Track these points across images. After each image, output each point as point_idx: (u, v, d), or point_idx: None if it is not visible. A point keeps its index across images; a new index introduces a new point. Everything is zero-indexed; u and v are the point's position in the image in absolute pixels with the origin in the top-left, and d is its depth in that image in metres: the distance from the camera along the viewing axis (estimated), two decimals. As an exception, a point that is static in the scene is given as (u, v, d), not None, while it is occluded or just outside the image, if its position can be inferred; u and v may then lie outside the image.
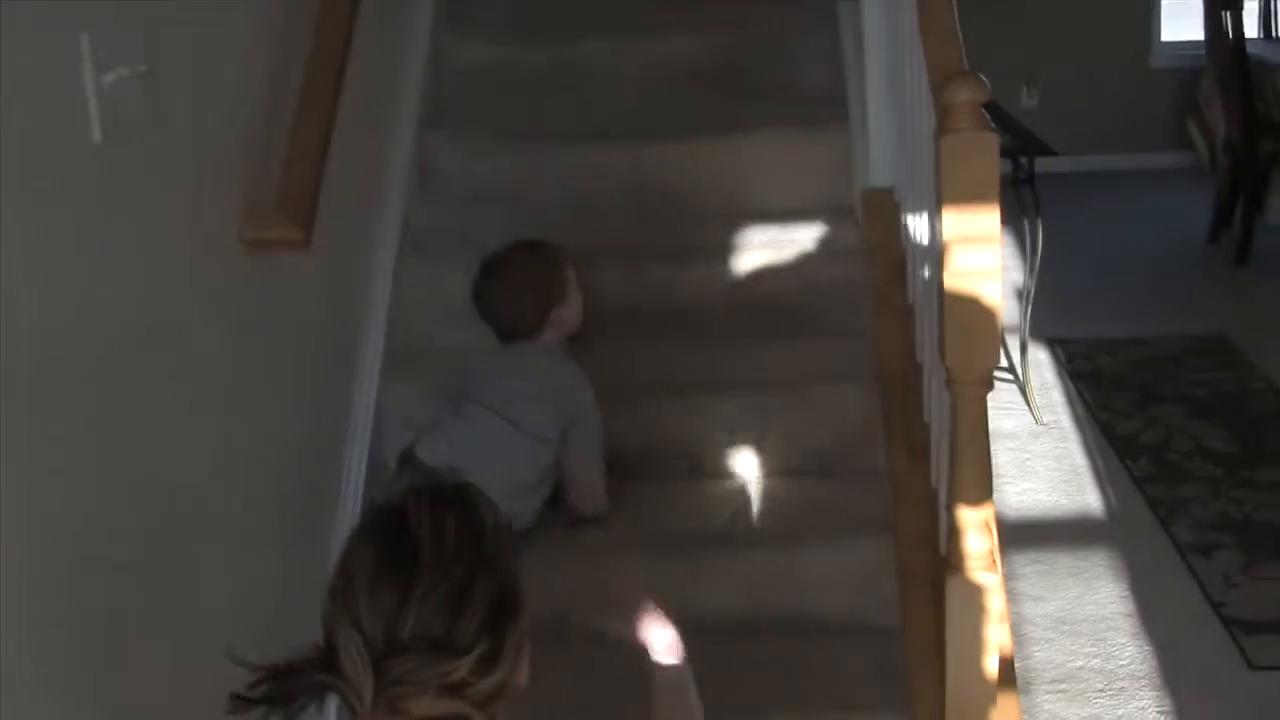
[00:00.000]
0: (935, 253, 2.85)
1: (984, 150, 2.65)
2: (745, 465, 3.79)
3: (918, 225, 3.53)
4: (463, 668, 1.54)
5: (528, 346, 3.60)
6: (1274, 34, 8.55)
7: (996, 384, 2.85)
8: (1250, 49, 7.11)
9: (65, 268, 2.12)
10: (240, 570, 2.78)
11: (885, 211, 4.02)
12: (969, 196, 2.66)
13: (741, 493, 3.73)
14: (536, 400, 3.48)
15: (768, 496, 3.70)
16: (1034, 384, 5.31)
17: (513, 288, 3.61)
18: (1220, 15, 7.14)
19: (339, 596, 1.59)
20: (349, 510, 3.47)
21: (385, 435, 3.78)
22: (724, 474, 3.81)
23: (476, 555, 1.63)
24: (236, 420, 2.80)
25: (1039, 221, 5.17)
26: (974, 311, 2.71)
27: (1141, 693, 3.63)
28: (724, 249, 4.11)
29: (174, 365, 2.50)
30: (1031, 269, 5.26)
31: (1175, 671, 3.72)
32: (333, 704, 1.73)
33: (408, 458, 3.43)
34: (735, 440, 3.79)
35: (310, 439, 3.34)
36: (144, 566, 2.34)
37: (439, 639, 1.55)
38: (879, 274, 3.89)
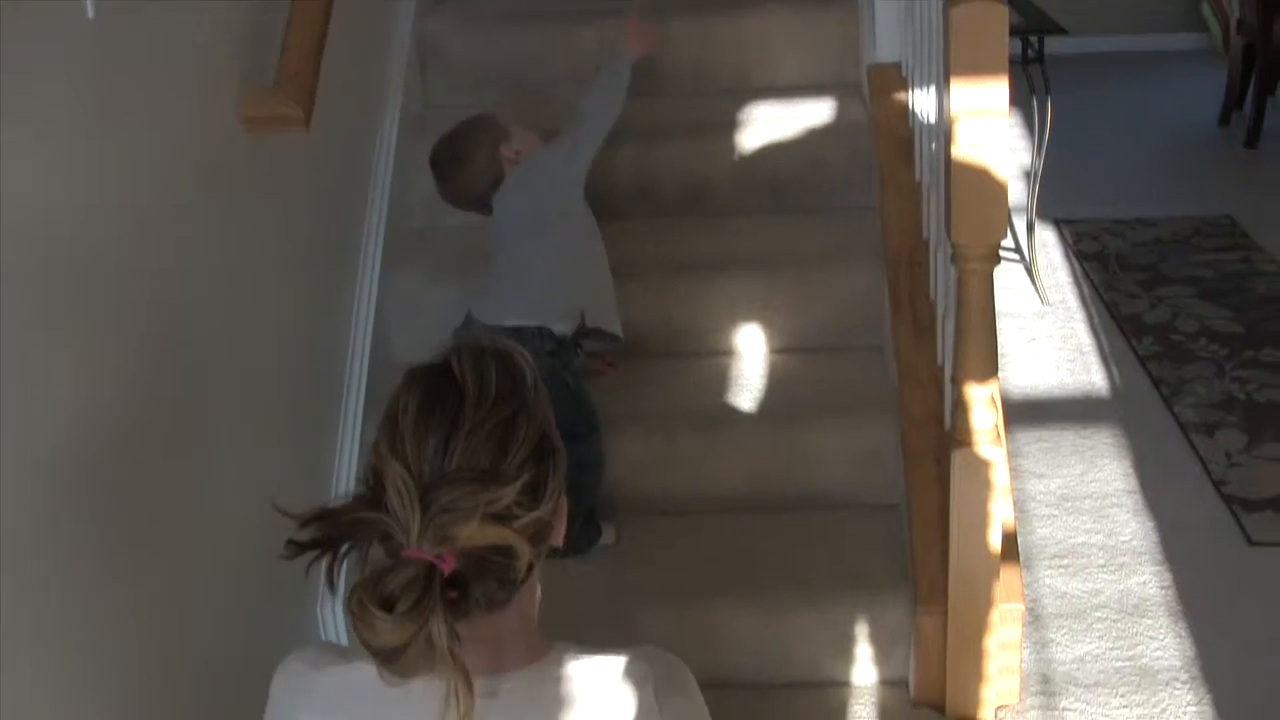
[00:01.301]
0: (943, 127, 2.85)
1: (993, 21, 2.63)
2: (752, 342, 3.80)
3: (925, 100, 3.51)
4: (508, 495, 1.56)
5: (504, 183, 3.64)
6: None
7: (1002, 264, 2.85)
8: (1265, -72, 7.04)
9: (63, 147, 2.11)
10: (250, 446, 2.80)
11: (893, 87, 4.00)
12: (977, 69, 2.65)
13: (745, 370, 3.76)
14: (542, 190, 3.56)
15: (774, 373, 3.72)
16: (1040, 264, 5.30)
17: (457, 159, 3.67)
18: (1235, -107, 7.08)
19: (383, 439, 1.61)
20: (354, 388, 3.48)
21: (391, 324, 3.78)
22: (731, 351, 3.82)
23: (519, 399, 1.65)
24: (240, 300, 2.80)
25: (1048, 101, 5.14)
26: (981, 185, 2.70)
27: (1142, 568, 3.65)
28: (731, 126, 4.10)
29: (176, 244, 2.50)
30: (1039, 149, 5.24)
31: (1176, 548, 3.74)
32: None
33: (466, 324, 3.45)
34: (742, 317, 3.80)
35: (314, 320, 3.34)
36: (160, 437, 2.36)
37: (485, 470, 1.57)
38: (886, 150, 3.88)
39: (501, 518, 1.55)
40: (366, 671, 1.58)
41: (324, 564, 1.60)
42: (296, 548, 1.59)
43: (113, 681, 2.15)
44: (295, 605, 3.01)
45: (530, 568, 1.61)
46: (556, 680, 1.66)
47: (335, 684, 1.67)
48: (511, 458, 1.59)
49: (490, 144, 3.65)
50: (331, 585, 1.60)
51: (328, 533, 1.60)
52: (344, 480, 3.32)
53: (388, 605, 1.49)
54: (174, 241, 2.48)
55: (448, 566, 1.53)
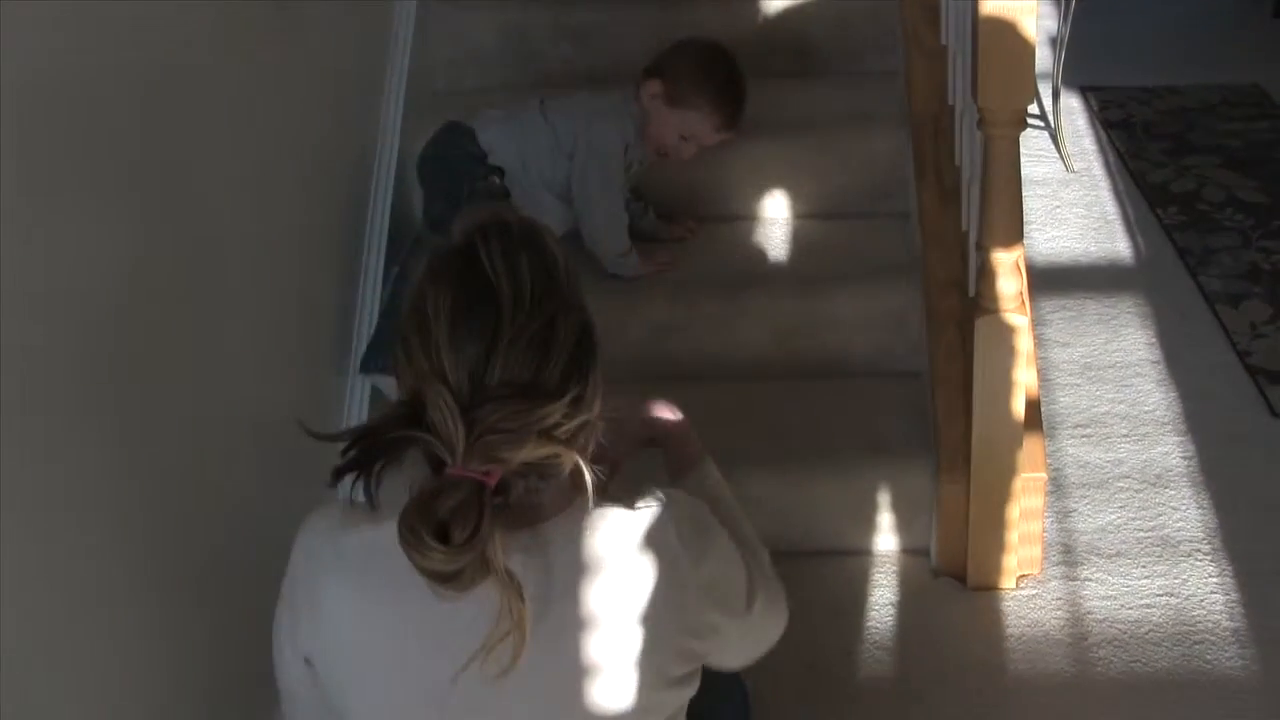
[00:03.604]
0: (971, -12, 2.80)
1: (1024, -120, 2.59)
2: (775, 207, 3.77)
3: (953, -37, 3.45)
4: (556, 412, 1.54)
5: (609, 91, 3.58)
6: None
7: (1027, 131, 2.82)
8: None
9: (71, 9, 2.06)
10: (265, 311, 2.78)
11: (919, -51, 3.94)
12: (1007, -72, 2.61)
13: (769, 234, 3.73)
14: (570, 116, 3.49)
15: (797, 238, 3.69)
16: (1066, 132, 5.25)
17: (686, 40, 3.61)
18: None
19: (416, 347, 1.58)
20: (375, 246, 3.47)
21: (412, 186, 3.74)
22: (754, 216, 3.79)
23: (555, 296, 1.61)
24: (256, 163, 2.76)
25: (1075, -34, 5.08)
26: (1008, 47, 2.66)
27: (1165, 438, 3.63)
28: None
29: (189, 106, 2.45)
30: (1066, 15, 5.16)
31: (1199, 418, 3.72)
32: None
33: (454, 129, 3.47)
34: (765, 182, 3.76)
35: (333, 181, 3.31)
36: (174, 303, 2.33)
37: (526, 384, 1.55)
38: (912, 13, 3.81)
39: (549, 431, 1.54)
40: (395, 533, 1.57)
41: (360, 484, 1.59)
42: (338, 474, 1.59)
43: (119, 551, 2.13)
44: (314, 470, 3.01)
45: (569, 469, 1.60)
46: (586, 529, 1.66)
47: (364, 544, 1.65)
48: (553, 367, 1.57)
49: (662, 69, 3.53)
50: (373, 504, 1.59)
51: (370, 452, 1.58)
52: (363, 339, 3.30)
53: (442, 535, 1.48)
54: (186, 103, 2.43)
55: (493, 480, 1.52)
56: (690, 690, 1.78)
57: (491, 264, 1.59)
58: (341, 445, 1.61)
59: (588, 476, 1.60)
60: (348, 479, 1.60)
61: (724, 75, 3.53)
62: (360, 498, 1.60)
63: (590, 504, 1.64)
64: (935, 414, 3.18)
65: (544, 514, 1.65)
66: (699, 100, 3.49)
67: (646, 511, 1.70)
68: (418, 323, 1.59)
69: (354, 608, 1.66)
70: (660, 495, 1.72)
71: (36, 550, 1.86)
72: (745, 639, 1.92)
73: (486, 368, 1.54)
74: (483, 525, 1.49)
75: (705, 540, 1.75)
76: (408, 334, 1.60)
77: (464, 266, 1.61)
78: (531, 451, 1.53)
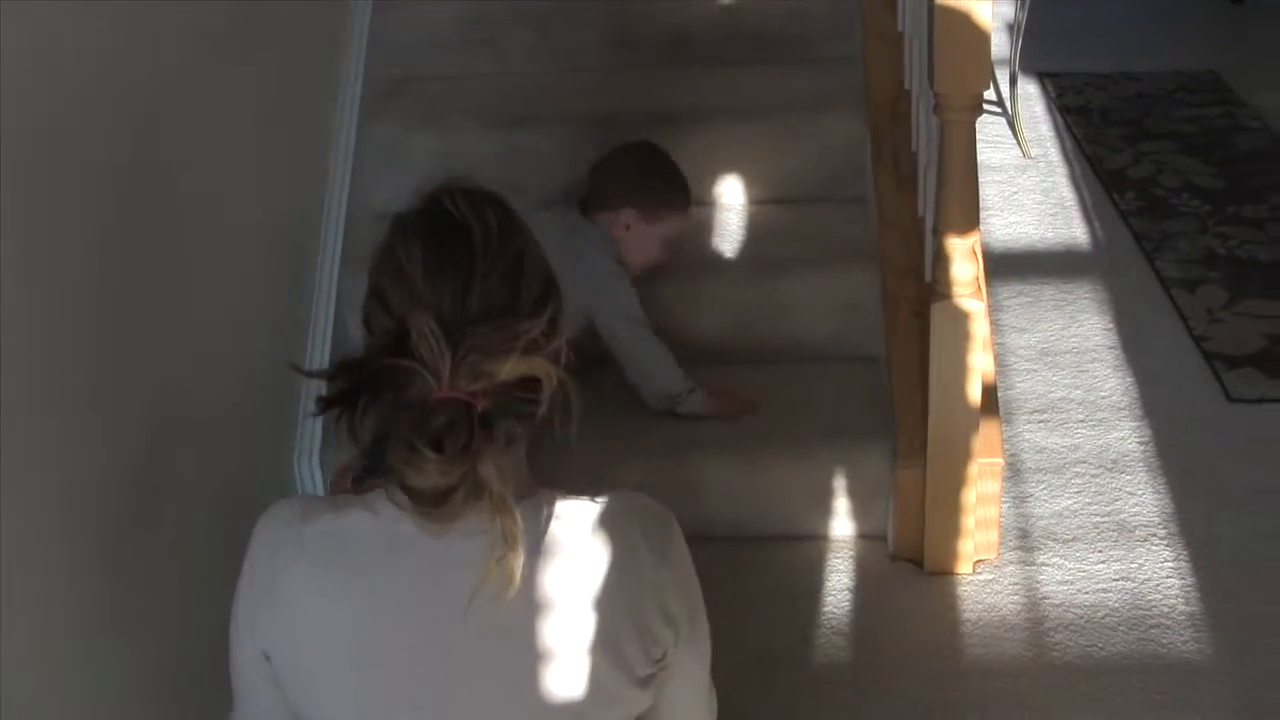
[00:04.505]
0: (927, -26, 2.80)
1: None
2: (733, 193, 3.76)
3: (910, -52, 3.45)
4: (535, 329, 1.57)
5: (571, 213, 3.40)
6: None
7: (985, 117, 2.82)
8: None
9: (43, 22, 2.04)
10: (226, 296, 2.77)
11: (876, -65, 3.94)
12: (962, -86, 2.62)
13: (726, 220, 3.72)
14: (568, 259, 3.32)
15: (756, 224, 3.68)
16: (1023, 117, 5.26)
17: (608, 159, 3.43)
18: None
19: (391, 292, 1.60)
20: (332, 238, 3.45)
21: (369, 173, 3.71)
22: (712, 202, 3.78)
23: (521, 236, 1.65)
24: (216, 152, 2.75)
25: (1032, -48, 5.09)
26: (964, 34, 2.67)
27: (1122, 423, 3.64)
28: (712, -26, 4.04)
29: (150, 96, 2.44)
30: (1023, 1, 5.18)
31: (1156, 403, 3.73)
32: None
33: None
34: (722, 169, 3.76)
35: (291, 171, 3.30)
36: (136, 284, 2.32)
37: (505, 306, 1.58)
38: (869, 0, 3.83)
39: (531, 347, 1.56)
40: (360, 519, 1.60)
41: (343, 422, 1.58)
42: (325, 404, 1.59)
43: (87, 544, 2.13)
44: (271, 463, 3.00)
45: (548, 397, 1.60)
46: (547, 518, 1.66)
47: (329, 532, 1.65)
48: (527, 293, 1.61)
49: (626, 191, 3.35)
50: (356, 439, 1.58)
51: (353, 384, 1.58)
52: (320, 326, 3.29)
53: (437, 446, 1.49)
54: (148, 92, 2.42)
55: (479, 402, 1.53)
56: (649, 699, 1.77)
57: (459, 210, 1.63)
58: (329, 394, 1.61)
59: (574, 402, 1.60)
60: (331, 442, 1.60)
61: (672, 170, 3.43)
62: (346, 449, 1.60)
63: (548, 497, 1.66)
64: (892, 399, 3.18)
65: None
66: (674, 203, 3.40)
67: (608, 503, 1.70)
68: (391, 272, 1.61)
69: (315, 595, 1.65)
70: (624, 491, 1.73)
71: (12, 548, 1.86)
72: (696, 659, 1.89)
73: (465, 298, 1.57)
74: (475, 439, 1.51)
75: (668, 540, 1.75)
76: (381, 286, 1.62)
77: (433, 217, 1.64)
78: (515, 367, 1.54)
